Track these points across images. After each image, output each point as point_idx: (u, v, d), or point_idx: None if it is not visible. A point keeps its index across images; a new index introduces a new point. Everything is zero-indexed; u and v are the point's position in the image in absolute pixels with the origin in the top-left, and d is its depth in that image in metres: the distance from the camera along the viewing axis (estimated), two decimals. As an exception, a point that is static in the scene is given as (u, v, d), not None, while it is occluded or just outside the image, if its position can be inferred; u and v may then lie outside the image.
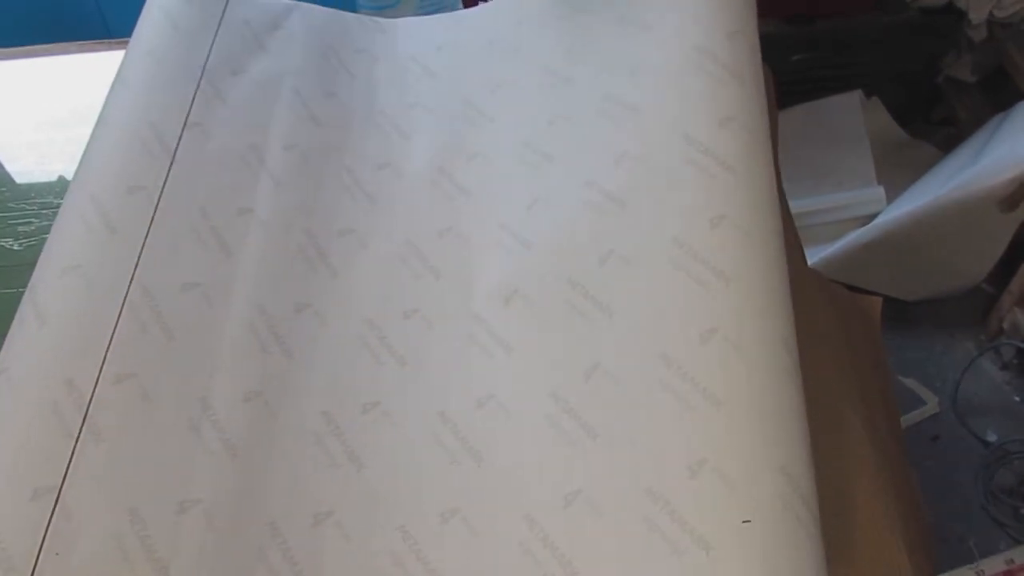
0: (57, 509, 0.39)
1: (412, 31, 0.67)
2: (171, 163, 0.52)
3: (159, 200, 0.50)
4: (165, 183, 0.51)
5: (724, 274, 0.43)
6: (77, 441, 0.41)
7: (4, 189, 0.75)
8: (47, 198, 0.73)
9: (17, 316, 0.45)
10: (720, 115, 0.49)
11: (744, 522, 0.36)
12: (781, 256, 0.45)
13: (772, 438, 0.38)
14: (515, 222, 0.51)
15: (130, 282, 0.47)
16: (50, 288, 0.46)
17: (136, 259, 0.48)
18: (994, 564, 0.98)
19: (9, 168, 0.77)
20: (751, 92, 0.50)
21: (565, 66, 0.58)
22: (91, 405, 0.42)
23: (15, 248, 0.69)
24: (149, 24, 0.59)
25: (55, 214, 0.69)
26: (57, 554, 0.38)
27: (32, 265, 0.48)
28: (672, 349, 0.42)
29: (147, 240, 0.48)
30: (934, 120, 1.52)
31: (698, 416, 0.39)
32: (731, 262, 0.43)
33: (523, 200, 0.52)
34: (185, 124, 0.54)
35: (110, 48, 0.86)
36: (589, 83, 0.56)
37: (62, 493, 0.40)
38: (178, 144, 0.53)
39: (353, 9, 0.69)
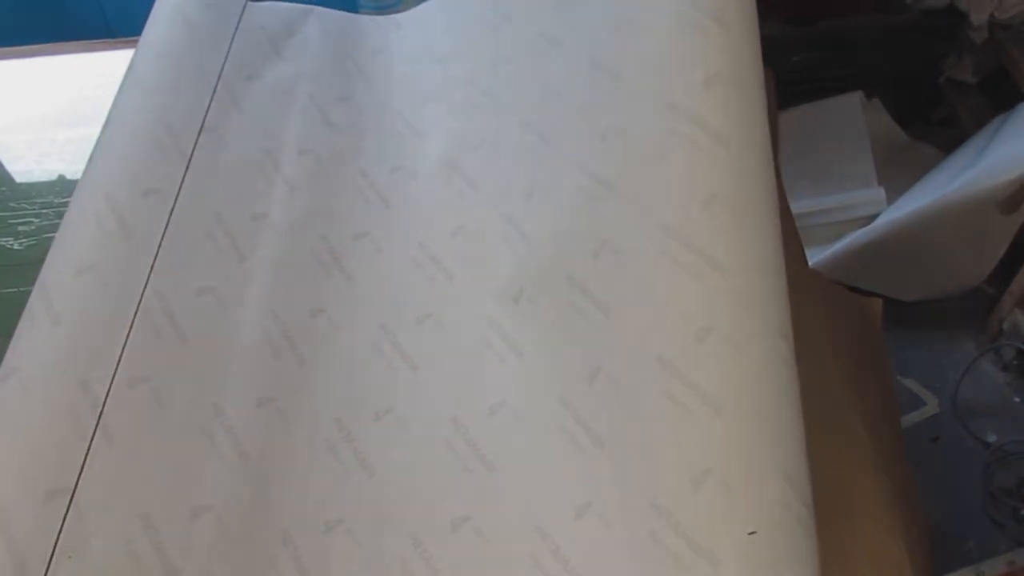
0: (70, 511, 0.39)
1: (423, 20, 0.66)
2: (187, 167, 0.52)
3: (175, 204, 0.50)
4: (181, 187, 0.51)
5: (717, 262, 0.41)
6: (91, 443, 0.41)
7: (4, 188, 0.74)
8: (47, 197, 0.73)
9: (26, 314, 0.45)
10: (705, 73, 0.46)
11: (750, 534, 0.36)
12: (775, 235, 0.43)
13: (772, 440, 0.38)
14: (518, 214, 0.51)
15: (145, 285, 0.46)
16: (64, 288, 0.45)
17: (151, 262, 0.47)
18: (994, 566, 0.97)
19: (9, 168, 0.77)
20: (738, 39, 0.47)
21: (555, 27, 0.56)
22: (105, 408, 0.42)
23: (15, 247, 0.69)
24: (163, 26, 0.59)
25: (55, 213, 0.68)
26: (70, 557, 0.38)
27: (32, 264, 0.48)
28: (668, 351, 0.41)
29: (162, 244, 0.48)
30: (935, 121, 1.52)
31: (699, 424, 0.38)
32: (723, 248, 0.42)
33: (524, 189, 0.52)
34: (201, 129, 0.54)
35: (112, 48, 0.86)
36: (576, 47, 0.54)
37: (75, 495, 0.39)
38: (194, 149, 0.53)
39: (354, 10, 0.69)
